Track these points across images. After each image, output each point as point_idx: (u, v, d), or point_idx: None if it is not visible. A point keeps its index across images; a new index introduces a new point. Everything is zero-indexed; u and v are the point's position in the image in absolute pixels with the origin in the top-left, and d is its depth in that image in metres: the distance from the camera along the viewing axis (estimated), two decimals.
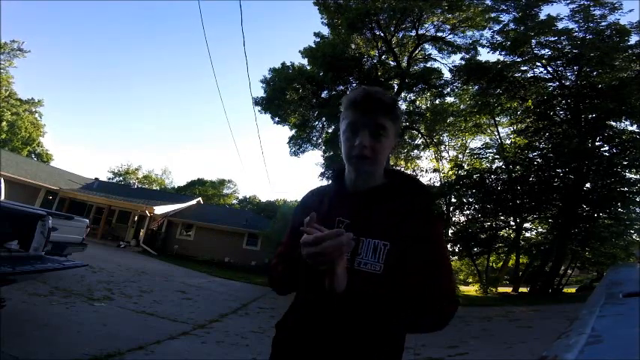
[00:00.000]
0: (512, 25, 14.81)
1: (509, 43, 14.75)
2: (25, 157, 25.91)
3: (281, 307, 1.09)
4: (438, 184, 19.97)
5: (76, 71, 60.72)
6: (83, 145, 70.29)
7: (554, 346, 0.61)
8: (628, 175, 13.46)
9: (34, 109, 36.07)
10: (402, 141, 19.86)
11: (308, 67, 17.19)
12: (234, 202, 45.33)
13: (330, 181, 1.07)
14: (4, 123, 30.79)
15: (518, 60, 15.00)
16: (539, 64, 15.00)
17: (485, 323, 7.69)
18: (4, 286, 3.60)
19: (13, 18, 43.28)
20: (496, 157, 17.47)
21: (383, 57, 17.39)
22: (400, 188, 0.95)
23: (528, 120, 16.27)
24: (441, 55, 17.41)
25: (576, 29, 13.42)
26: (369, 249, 0.86)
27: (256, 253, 19.26)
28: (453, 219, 19.27)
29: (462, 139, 20.90)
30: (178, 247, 19.62)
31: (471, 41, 16.37)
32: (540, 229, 18.13)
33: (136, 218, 19.72)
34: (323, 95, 17.28)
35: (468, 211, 18.01)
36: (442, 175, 20.50)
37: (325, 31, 18.11)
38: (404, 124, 18.57)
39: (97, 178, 26.00)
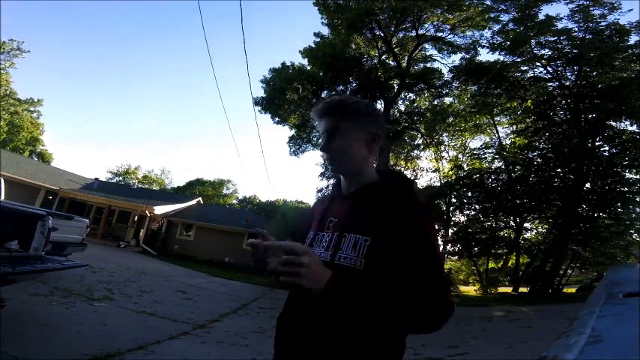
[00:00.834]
0: (511, 25, 14.83)
1: (508, 43, 14.76)
2: (25, 157, 25.91)
3: (281, 307, 1.12)
4: (438, 184, 20.01)
5: (75, 69, 60.73)
6: (83, 144, 70.29)
7: (554, 346, 0.61)
8: (628, 175, 13.49)
9: (32, 109, 36.10)
10: (402, 141, 19.89)
11: (308, 67, 17.20)
12: (234, 202, 45.30)
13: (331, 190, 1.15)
14: (3, 122, 30.79)
15: (518, 60, 15.02)
16: (538, 64, 15.02)
17: (485, 323, 7.69)
18: (4, 286, 3.60)
19: (12, 16, 43.27)
20: (496, 157, 17.49)
21: (383, 57, 17.40)
22: (388, 187, 0.96)
23: (528, 120, 16.27)
24: (440, 55, 17.45)
25: (576, 29, 13.45)
26: (349, 244, 0.88)
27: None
28: (453, 219, 19.31)
29: (462, 139, 20.92)
30: (178, 247, 19.62)
31: (470, 41, 16.39)
32: (540, 229, 18.14)
33: (136, 218, 19.73)
34: (323, 95, 17.27)
35: (468, 211, 18.04)
36: (442, 175, 20.53)
37: (325, 31, 18.15)
38: (403, 124, 18.61)
39: (96, 178, 25.99)
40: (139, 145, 69.61)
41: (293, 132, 19.06)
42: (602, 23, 12.97)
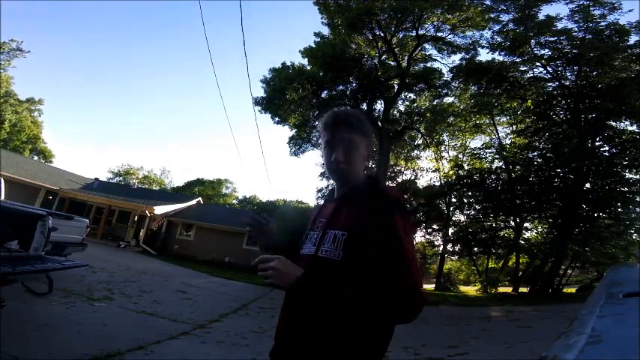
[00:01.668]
0: (511, 25, 14.82)
1: (508, 43, 14.75)
2: (25, 157, 25.90)
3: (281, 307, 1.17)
4: (438, 184, 20.03)
5: (75, 69, 60.72)
6: (83, 144, 70.29)
7: (554, 346, 0.61)
8: (628, 175, 13.48)
9: (33, 108, 36.07)
10: (402, 141, 19.90)
11: (308, 67, 17.18)
12: (234, 202, 45.28)
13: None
14: (6, 122, 30.79)
15: (518, 60, 15.01)
16: (538, 64, 15.01)
17: (485, 323, 7.69)
18: (4, 286, 3.60)
19: (12, 16, 43.25)
20: (496, 157, 17.49)
21: (383, 57, 17.39)
22: (362, 187, 1.07)
23: (528, 120, 16.27)
24: (440, 55, 17.43)
25: (576, 29, 13.44)
26: (330, 239, 1.00)
27: (256, 253, 19.14)
28: (453, 219, 19.33)
29: (462, 139, 20.92)
30: (178, 247, 19.61)
31: (470, 41, 16.37)
32: (540, 229, 18.14)
33: (136, 218, 19.72)
34: (323, 95, 17.28)
35: (468, 211, 18.04)
36: (442, 175, 20.53)
37: (325, 31, 18.13)
38: (403, 124, 18.62)
39: (97, 178, 25.98)
40: (139, 145, 69.68)
41: (293, 132, 19.07)
42: (602, 23, 12.98)
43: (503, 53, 15.22)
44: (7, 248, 3.78)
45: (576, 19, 13.26)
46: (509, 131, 18.64)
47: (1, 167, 14.48)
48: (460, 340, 5.43)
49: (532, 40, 14.31)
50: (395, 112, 18.80)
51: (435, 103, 18.75)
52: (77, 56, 59.22)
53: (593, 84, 13.74)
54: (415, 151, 21.90)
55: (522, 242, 17.52)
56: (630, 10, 17.81)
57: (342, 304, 0.88)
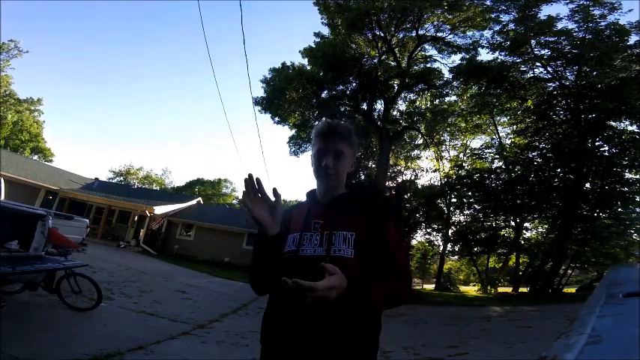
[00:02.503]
0: (512, 26, 14.81)
1: (509, 43, 14.74)
2: (25, 157, 25.90)
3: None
4: (438, 184, 20.01)
5: (75, 69, 60.69)
6: (83, 144, 70.27)
7: (554, 346, 0.61)
8: (628, 175, 13.48)
9: (33, 108, 36.05)
10: (402, 141, 19.88)
11: (308, 67, 17.16)
12: (234, 201, 45.27)
13: (306, 198, 1.33)
14: (8, 118, 30.76)
15: (518, 60, 15.00)
16: (538, 64, 14.99)
17: (485, 323, 7.69)
18: (4, 286, 3.60)
19: (12, 16, 43.24)
20: (496, 157, 17.48)
21: (383, 57, 17.37)
22: (360, 195, 1.22)
23: (528, 120, 16.25)
24: (441, 55, 17.39)
25: (576, 29, 13.42)
26: (340, 239, 1.08)
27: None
28: (453, 218, 19.31)
29: (462, 139, 20.92)
30: (178, 247, 19.61)
31: (471, 41, 16.34)
32: (540, 229, 18.14)
33: (136, 218, 19.72)
34: (323, 95, 17.26)
35: (468, 211, 18.03)
36: (442, 174, 20.52)
37: (325, 31, 18.09)
38: (403, 124, 18.61)
39: (97, 178, 25.98)
40: (139, 145, 69.67)
41: (293, 132, 19.06)
42: (602, 23, 12.95)
43: (503, 53, 15.22)
44: (7, 248, 3.78)
45: (576, 19, 13.24)
46: (509, 131, 18.63)
47: (1, 167, 14.48)
48: (460, 340, 5.43)
49: (532, 40, 14.29)
50: (395, 112, 18.78)
51: (435, 103, 18.74)
52: (77, 56, 59.23)
53: (593, 84, 13.73)
54: (415, 151, 21.87)
55: (522, 242, 17.52)
56: (630, 10, 17.81)
57: (378, 304, 1.01)
